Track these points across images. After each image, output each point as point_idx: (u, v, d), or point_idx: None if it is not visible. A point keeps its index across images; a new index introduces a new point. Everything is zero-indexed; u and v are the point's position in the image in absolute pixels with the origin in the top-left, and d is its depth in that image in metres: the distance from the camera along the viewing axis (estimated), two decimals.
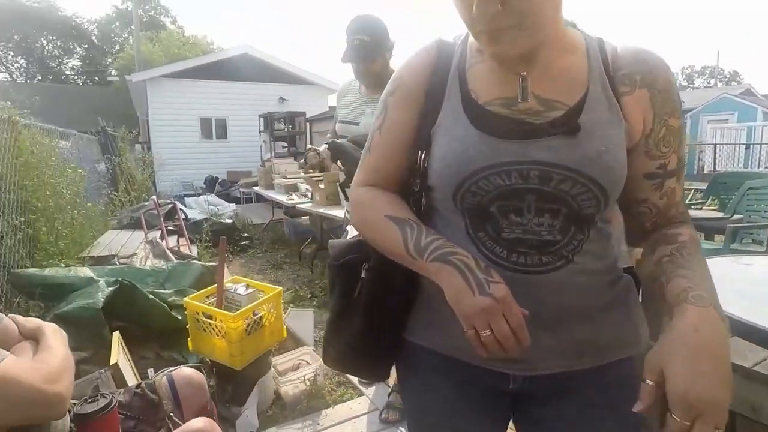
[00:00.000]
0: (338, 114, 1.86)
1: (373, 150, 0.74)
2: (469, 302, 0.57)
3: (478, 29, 0.60)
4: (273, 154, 8.47)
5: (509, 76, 0.63)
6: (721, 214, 3.48)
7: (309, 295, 3.64)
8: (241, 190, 8.78)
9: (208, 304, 1.85)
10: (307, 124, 9.83)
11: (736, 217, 3.20)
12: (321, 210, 3.90)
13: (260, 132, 9.76)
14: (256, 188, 6.49)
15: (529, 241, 0.63)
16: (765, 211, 3.12)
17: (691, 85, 38.58)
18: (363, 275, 0.74)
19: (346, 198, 1.75)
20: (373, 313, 0.73)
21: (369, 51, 1.63)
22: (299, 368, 2.12)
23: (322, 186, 3.99)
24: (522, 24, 0.57)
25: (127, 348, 1.72)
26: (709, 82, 36.12)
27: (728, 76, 40.64)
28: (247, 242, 5.22)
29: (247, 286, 1.92)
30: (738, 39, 74.09)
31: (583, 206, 0.61)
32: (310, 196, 4.54)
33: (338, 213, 3.52)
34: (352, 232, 0.67)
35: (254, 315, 1.78)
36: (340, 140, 1.55)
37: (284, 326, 1.97)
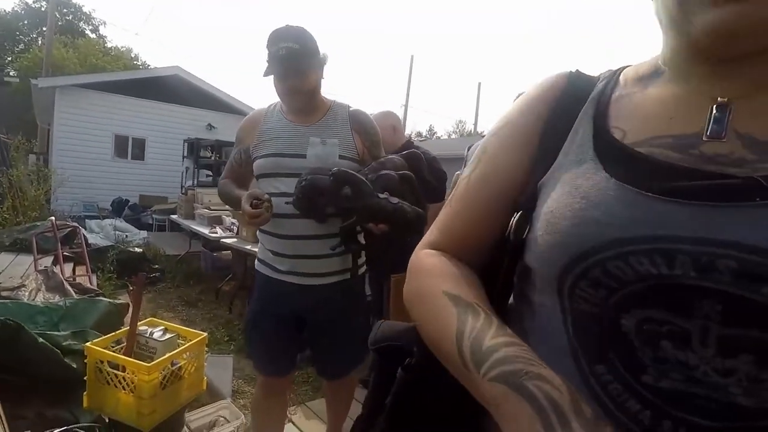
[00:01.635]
0: (259, 147, 1.45)
1: (454, 203, 0.53)
2: None
3: None
4: (196, 182, 7.97)
5: (695, 107, 0.40)
6: None
7: (226, 338, 3.35)
8: (154, 216, 8.07)
9: (115, 351, 1.60)
10: None
11: None
12: (248, 247, 3.70)
13: (183, 157, 9.19)
14: (173, 216, 6.00)
15: (701, 400, 0.34)
16: None
17: None
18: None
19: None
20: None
21: (300, 61, 1.34)
22: (216, 426, 1.88)
23: None
24: None
25: (1, 406, 1.41)
26: None
27: None
28: (157, 275, 4.73)
29: (165, 330, 1.70)
30: None
31: None
32: (235, 231, 4.30)
33: None
34: None
35: (172, 365, 1.57)
36: (344, 169, 1.26)
37: (205, 377, 1.76)
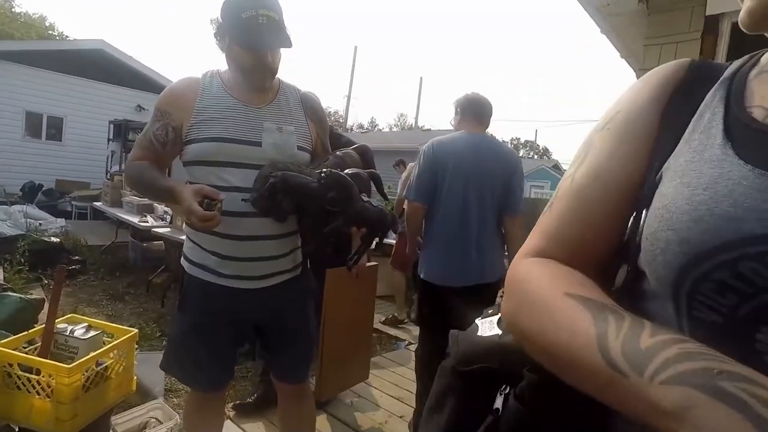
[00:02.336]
0: (198, 128, 1.20)
1: (557, 205, 0.45)
2: None
3: None
4: (124, 167, 7.38)
5: None
6: None
7: (158, 333, 3.14)
8: (74, 203, 7.38)
9: (27, 352, 1.44)
10: None
11: None
12: (183, 237, 3.48)
13: (109, 140, 8.45)
14: (97, 203, 5.51)
15: None
16: None
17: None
18: (499, 405, 0.44)
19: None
20: None
21: (282, 34, 1.17)
22: (147, 428, 1.76)
23: None
24: None
25: None
26: (529, 154, 44.28)
27: (542, 151, 51.34)
28: (78, 266, 4.33)
29: (89, 327, 1.56)
30: (551, 122, 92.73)
31: None
32: (168, 220, 4.04)
33: None
34: (485, 328, 0.50)
35: (97, 365, 1.44)
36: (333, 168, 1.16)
37: (134, 377, 1.64)
